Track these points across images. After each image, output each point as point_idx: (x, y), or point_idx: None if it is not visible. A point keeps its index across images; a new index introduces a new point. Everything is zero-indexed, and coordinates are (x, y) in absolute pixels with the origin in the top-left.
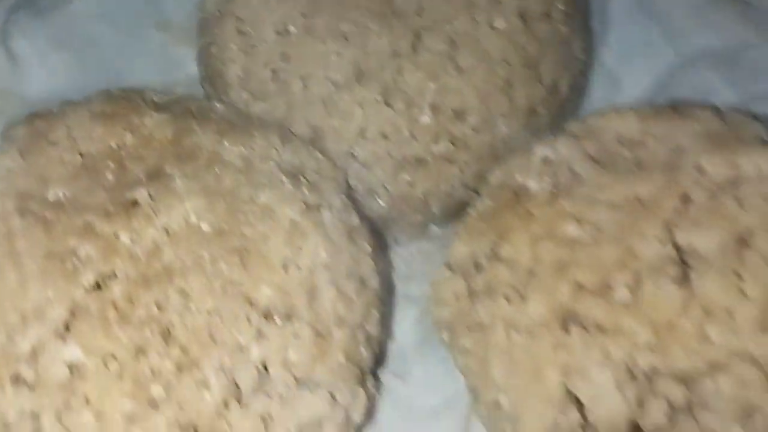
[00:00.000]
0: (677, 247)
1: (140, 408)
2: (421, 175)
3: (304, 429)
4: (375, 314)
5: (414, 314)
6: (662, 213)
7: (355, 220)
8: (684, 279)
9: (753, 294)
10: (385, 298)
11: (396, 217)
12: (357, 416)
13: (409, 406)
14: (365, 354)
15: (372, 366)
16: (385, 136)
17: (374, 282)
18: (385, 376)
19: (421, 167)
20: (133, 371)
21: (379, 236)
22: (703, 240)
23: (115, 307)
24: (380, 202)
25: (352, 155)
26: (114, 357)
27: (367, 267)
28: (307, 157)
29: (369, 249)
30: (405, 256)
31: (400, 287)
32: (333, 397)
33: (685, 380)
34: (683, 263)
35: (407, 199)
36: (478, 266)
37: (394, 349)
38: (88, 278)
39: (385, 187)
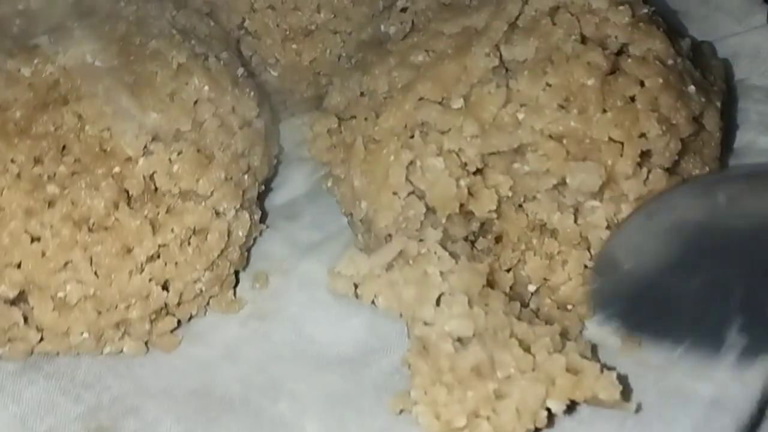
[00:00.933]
0: (502, 61)
1: (37, 204)
2: (307, 44)
3: (191, 235)
4: (258, 150)
5: (305, 171)
6: (492, 36)
7: (241, 71)
8: (506, 84)
9: (554, 81)
10: (272, 144)
11: (289, 89)
12: (241, 233)
13: (296, 241)
14: (248, 181)
15: (256, 197)
16: (272, 8)
17: (258, 124)
18: (277, 219)
19: (306, 37)
20: (30, 174)
21: (275, 110)
22: (521, 52)
23: (15, 124)
24: (272, 72)
25: (245, 27)
26: (13, 162)
27: (251, 110)
28: (198, 22)
29: (253, 96)
30: (298, 124)
31: (294, 150)
32: (216, 211)
33: (507, 168)
34: (507, 73)
35: (296, 68)
36: (348, 104)
37: (286, 198)
38: None
39: (276, 57)
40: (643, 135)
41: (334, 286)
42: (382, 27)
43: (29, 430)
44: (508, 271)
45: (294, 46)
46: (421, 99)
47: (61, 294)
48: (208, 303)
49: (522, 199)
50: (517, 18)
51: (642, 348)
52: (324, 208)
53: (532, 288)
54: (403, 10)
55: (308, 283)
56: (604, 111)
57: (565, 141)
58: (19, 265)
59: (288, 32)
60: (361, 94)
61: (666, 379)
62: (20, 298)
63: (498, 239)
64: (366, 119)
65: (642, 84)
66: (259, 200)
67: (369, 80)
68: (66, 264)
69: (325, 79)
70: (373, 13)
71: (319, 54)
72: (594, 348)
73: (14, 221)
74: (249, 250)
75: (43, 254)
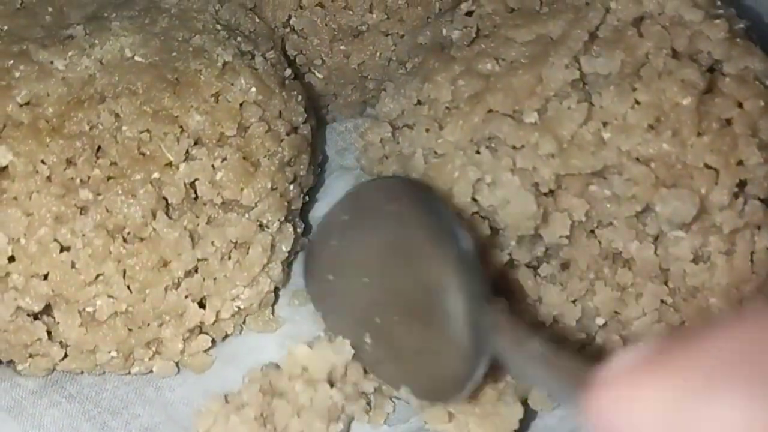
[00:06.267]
0: (582, 74)
1: (68, 210)
2: (356, 45)
3: (232, 249)
4: (304, 158)
5: (348, 180)
6: (572, 46)
7: (288, 72)
8: (587, 99)
9: (644, 99)
10: (316, 152)
11: (334, 92)
12: (284, 248)
13: None
14: (293, 192)
15: (299, 209)
16: (321, 5)
17: (305, 130)
18: None
19: (356, 38)
20: (62, 176)
21: (318, 114)
22: (605, 64)
23: (47, 122)
24: (317, 74)
25: (291, 26)
26: (44, 163)
27: (298, 115)
28: (243, 17)
29: (301, 99)
30: (341, 131)
31: (337, 159)
32: (260, 223)
33: (582, 190)
34: (586, 86)
35: (343, 70)
36: (403, 112)
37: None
38: (22, 95)
39: (322, 58)
40: (740, 162)
41: None
42: (444, 31)
43: None
44: (574, 302)
45: (342, 47)
46: (490, 111)
47: (90, 309)
48: (244, 321)
49: (595, 224)
50: (597, 28)
51: None
52: None
53: (600, 321)
54: (468, 13)
55: None
56: (699, 134)
57: (653, 165)
58: (46, 276)
59: (336, 32)
60: (419, 102)
61: None
62: (45, 311)
63: (564, 266)
64: (427, 130)
65: (740, 105)
66: (301, 212)
67: (431, 88)
68: (97, 277)
69: (371, 84)
70: (428, 15)
71: (368, 57)
72: None
73: (43, 228)
74: (290, 266)
75: (73, 265)
